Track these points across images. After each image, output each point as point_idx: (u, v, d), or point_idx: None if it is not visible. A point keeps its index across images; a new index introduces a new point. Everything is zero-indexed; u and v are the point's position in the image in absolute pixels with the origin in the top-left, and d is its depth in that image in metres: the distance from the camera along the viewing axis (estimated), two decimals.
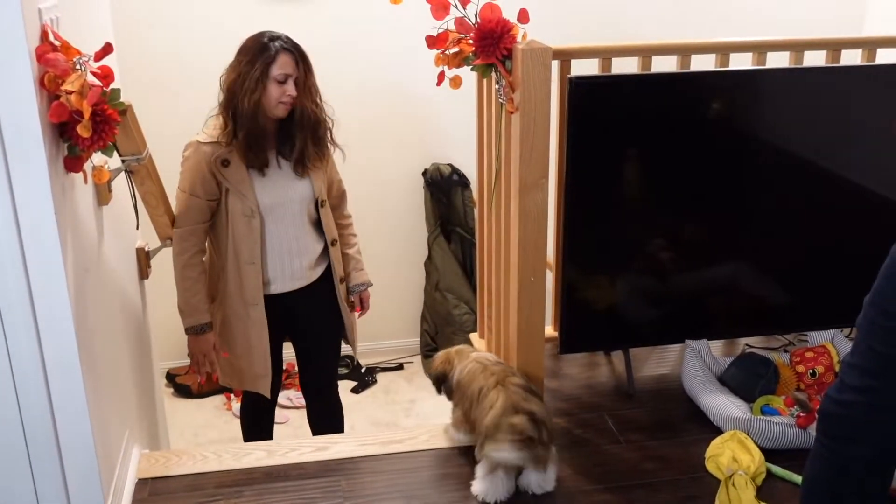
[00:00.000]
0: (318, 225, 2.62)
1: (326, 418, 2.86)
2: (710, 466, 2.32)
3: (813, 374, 2.58)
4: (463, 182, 4.08)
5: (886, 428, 1.53)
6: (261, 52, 2.37)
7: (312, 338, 2.75)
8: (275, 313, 2.57)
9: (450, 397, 2.36)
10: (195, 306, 2.46)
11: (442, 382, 2.36)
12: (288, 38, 2.42)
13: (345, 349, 2.95)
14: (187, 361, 4.18)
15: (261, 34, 2.41)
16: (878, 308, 1.49)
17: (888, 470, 1.63)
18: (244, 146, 2.39)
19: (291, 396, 4.09)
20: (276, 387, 2.73)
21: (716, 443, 2.36)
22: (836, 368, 2.56)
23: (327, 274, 2.67)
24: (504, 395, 2.17)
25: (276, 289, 2.57)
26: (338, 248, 2.67)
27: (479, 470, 2.21)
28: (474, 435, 2.24)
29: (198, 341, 2.46)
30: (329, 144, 2.58)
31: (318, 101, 2.49)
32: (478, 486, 2.20)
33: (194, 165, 2.43)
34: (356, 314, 2.82)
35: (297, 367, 2.92)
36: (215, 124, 2.44)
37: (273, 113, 2.40)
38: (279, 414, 4.01)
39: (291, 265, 2.56)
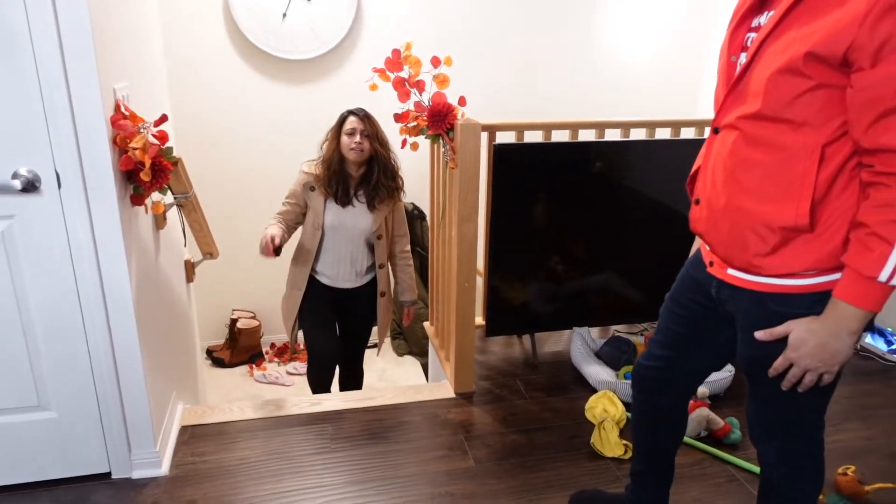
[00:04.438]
0: (373, 249, 2.63)
1: (352, 379, 2.89)
2: (588, 415, 2.36)
3: None
4: (421, 215, 4.08)
5: (678, 384, 1.57)
6: (339, 120, 2.49)
7: (352, 325, 2.78)
8: (331, 299, 2.65)
9: None
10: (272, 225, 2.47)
11: None
12: (360, 108, 2.49)
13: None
14: (223, 341, 4.14)
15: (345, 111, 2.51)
16: (674, 300, 1.52)
17: (682, 413, 1.66)
18: (325, 182, 2.48)
19: (298, 366, 4.06)
20: (334, 354, 2.70)
21: (592, 399, 2.40)
22: None
23: (373, 284, 2.70)
24: None
25: (331, 283, 2.64)
26: (385, 270, 2.67)
27: None
28: None
29: (266, 230, 2.41)
30: (397, 192, 2.58)
31: (388, 149, 2.51)
32: None
33: (297, 182, 2.53)
34: (388, 318, 2.80)
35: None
36: (317, 164, 2.52)
37: (349, 156, 2.45)
38: (287, 379, 3.98)
39: (343, 270, 2.61)
